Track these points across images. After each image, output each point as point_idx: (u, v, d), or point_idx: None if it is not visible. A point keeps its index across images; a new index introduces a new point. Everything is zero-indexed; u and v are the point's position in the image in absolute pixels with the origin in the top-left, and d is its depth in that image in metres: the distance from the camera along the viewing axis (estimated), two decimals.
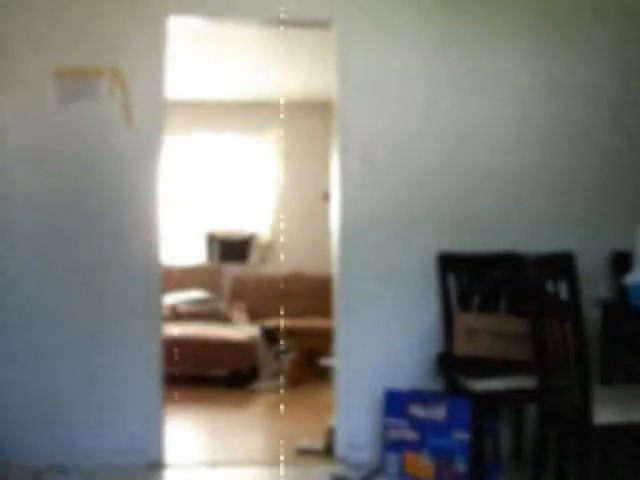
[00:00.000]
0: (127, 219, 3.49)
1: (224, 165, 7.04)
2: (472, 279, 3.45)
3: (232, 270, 6.70)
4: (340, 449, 3.56)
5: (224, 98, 6.60)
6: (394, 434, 3.28)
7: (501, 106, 3.66)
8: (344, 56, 3.61)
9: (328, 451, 3.61)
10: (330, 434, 3.64)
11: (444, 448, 3.15)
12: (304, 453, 3.66)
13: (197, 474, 3.46)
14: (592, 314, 3.00)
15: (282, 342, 5.63)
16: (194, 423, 4.41)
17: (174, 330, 5.32)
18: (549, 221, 3.64)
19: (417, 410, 3.23)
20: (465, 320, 3.24)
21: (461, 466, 3.12)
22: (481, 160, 3.64)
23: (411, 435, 3.24)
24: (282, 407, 4.87)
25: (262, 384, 5.45)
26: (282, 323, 5.69)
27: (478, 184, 3.64)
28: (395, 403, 3.30)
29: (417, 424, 3.22)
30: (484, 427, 3.10)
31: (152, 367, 3.49)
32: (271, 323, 5.75)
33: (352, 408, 3.55)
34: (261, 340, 5.69)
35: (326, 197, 5.00)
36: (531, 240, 3.48)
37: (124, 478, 3.29)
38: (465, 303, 3.42)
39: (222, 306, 6.34)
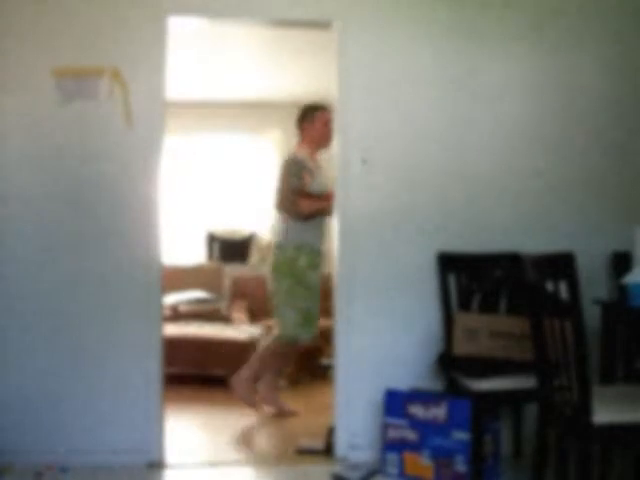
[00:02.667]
0: (127, 219, 3.48)
1: (224, 165, 7.04)
2: (472, 279, 3.45)
3: (232, 270, 6.69)
4: (340, 449, 3.56)
5: (224, 98, 6.60)
6: (394, 434, 3.28)
7: (502, 107, 3.65)
8: (344, 56, 3.60)
9: (328, 451, 3.61)
10: (330, 434, 3.63)
11: (444, 448, 3.15)
12: (304, 453, 3.66)
13: (197, 474, 3.46)
14: (592, 314, 3.00)
15: None
16: (194, 423, 4.41)
17: (174, 330, 5.32)
18: (549, 221, 3.64)
19: (417, 410, 3.23)
20: (465, 320, 3.24)
21: (461, 466, 3.12)
22: (481, 160, 3.64)
23: (411, 435, 3.24)
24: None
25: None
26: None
27: (478, 184, 3.63)
28: (395, 403, 3.30)
29: (417, 424, 3.22)
30: (484, 427, 3.10)
31: (152, 367, 3.50)
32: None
33: (352, 408, 3.55)
34: None
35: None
36: (531, 240, 3.48)
37: (124, 478, 3.30)
38: (465, 303, 3.42)
39: (222, 306, 6.34)
